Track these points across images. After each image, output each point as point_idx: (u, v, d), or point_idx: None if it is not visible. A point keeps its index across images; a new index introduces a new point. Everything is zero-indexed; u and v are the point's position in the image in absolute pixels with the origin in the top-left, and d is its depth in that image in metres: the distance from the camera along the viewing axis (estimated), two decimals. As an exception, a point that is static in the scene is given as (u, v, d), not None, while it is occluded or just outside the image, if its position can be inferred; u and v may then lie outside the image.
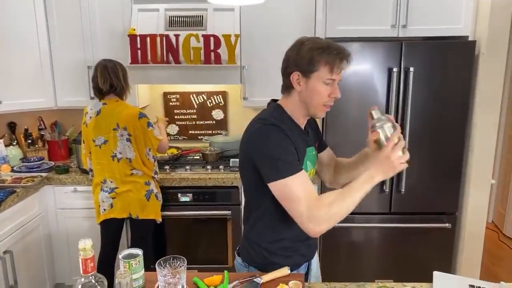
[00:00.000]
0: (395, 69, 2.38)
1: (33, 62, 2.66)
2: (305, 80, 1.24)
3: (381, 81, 2.43)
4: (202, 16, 2.59)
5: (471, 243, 2.62)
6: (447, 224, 2.56)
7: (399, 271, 2.65)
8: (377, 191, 2.55)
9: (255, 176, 1.26)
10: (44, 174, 2.60)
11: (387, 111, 2.45)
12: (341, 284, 1.34)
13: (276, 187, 1.19)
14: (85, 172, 2.55)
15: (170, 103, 3.12)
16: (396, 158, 1.15)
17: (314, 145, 1.43)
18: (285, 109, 1.32)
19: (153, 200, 2.30)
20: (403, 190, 2.53)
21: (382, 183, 2.51)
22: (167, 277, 1.13)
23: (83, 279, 0.99)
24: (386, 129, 1.20)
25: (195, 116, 3.14)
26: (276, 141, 1.21)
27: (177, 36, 2.47)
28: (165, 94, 3.10)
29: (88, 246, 0.98)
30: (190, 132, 3.18)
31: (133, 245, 2.34)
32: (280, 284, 1.22)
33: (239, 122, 3.13)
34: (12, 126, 2.97)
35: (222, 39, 2.45)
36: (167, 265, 1.16)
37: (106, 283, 1.02)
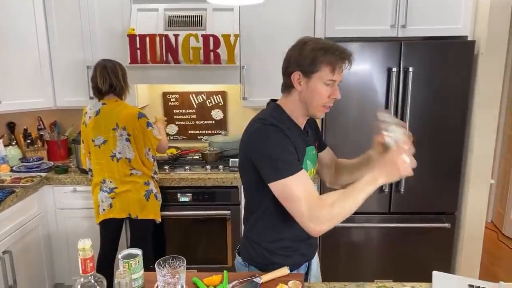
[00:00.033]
0: (394, 69, 2.39)
1: (33, 62, 2.65)
2: (306, 80, 1.24)
3: (380, 81, 2.43)
4: (202, 16, 2.59)
5: (471, 243, 2.62)
6: (446, 224, 2.57)
7: (399, 271, 2.65)
8: (377, 191, 2.50)
9: (255, 176, 1.26)
10: (43, 174, 2.60)
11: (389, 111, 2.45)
12: (341, 284, 1.34)
13: (277, 187, 1.20)
14: (84, 172, 2.55)
15: (170, 103, 3.12)
16: (401, 163, 1.15)
17: (314, 145, 1.43)
18: (285, 109, 1.32)
19: (153, 200, 2.30)
20: (402, 190, 2.53)
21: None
22: (167, 277, 1.13)
23: (82, 279, 0.99)
24: (397, 134, 1.20)
25: (194, 116, 3.14)
26: (275, 141, 1.21)
27: (176, 36, 2.47)
28: (165, 94, 3.10)
29: (87, 246, 0.98)
30: (189, 132, 3.18)
31: (132, 245, 2.34)
32: (280, 284, 1.22)
33: (238, 122, 3.13)
34: (11, 126, 2.97)
35: (221, 39, 2.45)
36: (167, 265, 1.16)
37: (105, 283, 1.02)
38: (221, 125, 3.15)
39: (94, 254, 1.01)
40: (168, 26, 2.59)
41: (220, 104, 3.11)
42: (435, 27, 2.48)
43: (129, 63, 2.49)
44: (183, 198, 2.58)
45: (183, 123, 3.16)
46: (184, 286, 1.17)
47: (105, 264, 2.31)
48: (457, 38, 2.51)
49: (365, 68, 2.41)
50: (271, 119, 1.26)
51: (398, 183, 2.53)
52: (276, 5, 2.57)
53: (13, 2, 2.53)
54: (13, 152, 2.84)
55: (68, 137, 3.03)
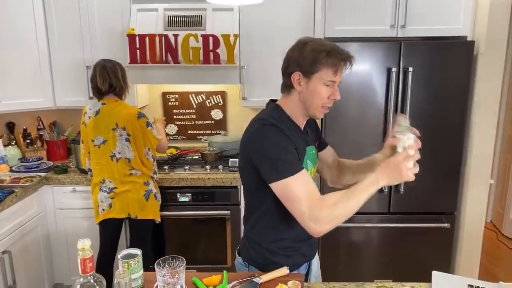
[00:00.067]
0: (394, 69, 2.39)
1: (32, 62, 2.65)
2: (306, 81, 1.24)
3: (380, 81, 2.43)
4: (201, 16, 2.59)
5: (470, 243, 2.62)
6: (446, 224, 2.57)
7: (398, 271, 2.65)
8: (377, 191, 2.55)
9: (255, 176, 1.26)
10: (42, 174, 2.60)
11: (386, 111, 2.45)
12: (340, 284, 1.34)
13: (277, 187, 1.19)
14: (84, 172, 2.54)
15: (169, 103, 3.12)
16: (405, 167, 1.15)
17: (314, 144, 1.43)
18: (284, 109, 1.32)
19: (152, 200, 2.30)
20: (402, 190, 2.54)
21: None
22: (166, 277, 1.13)
23: (81, 279, 0.99)
24: (408, 139, 1.20)
25: (194, 116, 3.14)
26: (275, 141, 1.21)
27: (176, 36, 2.47)
28: (164, 94, 3.10)
29: (87, 246, 0.97)
30: (189, 132, 3.17)
31: (132, 245, 2.34)
32: (279, 284, 1.22)
33: (238, 122, 3.13)
34: (10, 126, 2.96)
35: (221, 39, 2.45)
36: (166, 265, 1.16)
37: (105, 283, 1.02)
38: (221, 125, 3.15)
39: (93, 254, 1.01)
40: (168, 26, 2.59)
41: (219, 104, 3.11)
42: (435, 27, 2.48)
43: (129, 63, 2.49)
44: (183, 198, 2.58)
45: (182, 123, 3.16)
46: (184, 286, 1.17)
47: (105, 264, 2.31)
48: (456, 38, 2.51)
49: (365, 68, 2.41)
50: (271, 119, 1.26)
51: (397, 184, 2.53)
52: (275, 5, 2.57)
53: (13, 2, 2.52)
54: (13, 152, 2.83)
55: (68, 137, 3.03)
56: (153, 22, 2.59)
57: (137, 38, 2.47)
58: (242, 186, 2.54)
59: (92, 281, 0.99)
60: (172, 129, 3.16)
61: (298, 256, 1.40)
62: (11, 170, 2.70)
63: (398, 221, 2.59)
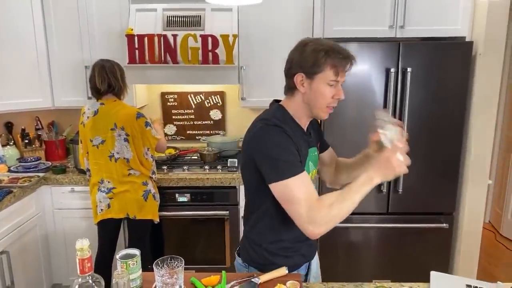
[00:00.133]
0: (392, 70, 2.39)
1: (31, 62, 2.65)
2: (309, 82, 1.24)
3: (378, 81, 2.43)
4: (200, 16, 2.59)
5: (468, 243, 2.63)
6: (444, 224, 2.57)
7: (397, 271, 2.65)
8: (375, 191, 2.56)
9: (257, 176, 1.25)
10: (41, 174, 2.59)
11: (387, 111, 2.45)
12: (339, 284, 1.34)
13: (277, 188, 1.19)
14: (82, 172, 2.54)
15: (168, 103, 3.12)
16: (396, 161, 1.15)
17: (316, 146, 1.43)
18: (288, 110, 1.32)
19: (151, 200, 2.30)
20: (400, 190, 2.54)
21: (380, 183, 2.51)
22: (165, 277, 1.12)
23: (80, 280, 0.99)
24: (392, 132, 1.20)
25: (193, 116, 3.14)
26: (277, 142, 1.21)
27: (175, 36, 2.47)
28: (163, 94, 3.10)
29: (85, 246, 0.97)
30: (188, 132, 3.17)
31: (130, 245, 2.34)
32: (278, 284, 1.22)
33: (237, 122, 3.13)
34: (9, 126, 2.96)
35: (220, 39, 2.45)
36: (165, 265, 1.16)
37: (103, 283, 1.02)
38: (220, 125, 3.15)
39: (92, 254, 1.00)
40: (167, 26, 2.58)
41: (218, 104, 3.11)
42: (433, 27, 2.48)
43: (128, 63, 2.48)
44: (181, 198, 2.58)
45: (181, 123, 3.16)
46: (182, 287, 1.17)
47: (103, 264, 2.30)
48: (455, 39, 2.52)
49: (364, 69, 2.42)
50: (274, 119, 1.26)
51: (396, 184, 2.54)
52: (274, 6, 2.57)
53: (12, 1, 2.52)
54: (11, 152, 2.83)
55: (66, 137, 3.02)
56: (152, 22, 2.59)
57: (136, 38, 2.47)
58: (241, 187, 2.54)
59: (90, 281, 0.99)
60: (171, 129, 3.16)
61: (298, 257, 1.40)
62: (9, 170, 2.69)
63: (396, 222, 2.59)
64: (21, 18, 2.57)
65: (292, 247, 1.37)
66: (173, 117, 3.14)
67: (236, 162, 2.66)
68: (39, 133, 2.96)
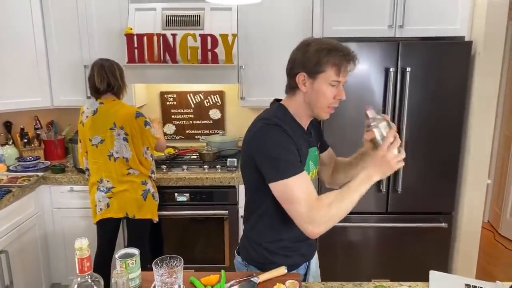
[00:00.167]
0: (392, 69, 2.39)
1: (30, 61, 2.65)
2: (311, 81, 1.24)
3: (378, 81, 2.43)
4: (199, 15, 2.59)
5: (467, 242, 2.63)
6: (443, 224, 2.57)
7: (396, 270, 2.66)
8: (374, 190, 2.56)
9: (257, 176, 1.25)
10: (40, 174, 2.59)
11: (384, 111, 2.45)
12: (338, 283, 1.34)
13: (277, 187, 1.19)
14: (81, 171, 2.54)
15: (167, 103, 3.11)
16: (392, 157, 1.15)
17: (317, 146, 1.43)
18: (289, 109, 1.32)
19: (150, 200, 2.30)
20: (399, 190, 2.54)
21: (379, 182, 2.51)
22: (164, 277, 1.12)
23: (79, 279, 0.99)
24: (382, 129, 1.20)
25: (192, 116, 3.14)
26: (278, 141, 1.21)
27: (174, 35, 2.47)
28: (162, 94, 3.10)
29: (84, 246, 0.97)
30: (187, 131, 3.17)
31: (129, 244, 2.34)
32: (277, 283, 1.22)
33: (236, 121, 3.13)
34: (8, 125, 2.95)
35: (219, 38, 2.44)
36: (164, 265, 1.16)
37: (102, 282, 1.02)
38: (219, 124, 3.15)
39: (91, 254, 1.00)
40: (166, 25, 2.58)
41: (217, 103, 3.11)
42: (433, 27, 2.48)
43: (127, 63, 2.48)
44: (181, 198, 2.57)
45: (180, 122, 3.15)
46: (182, 286, 1.17)
47: (102, 263, 2.30)
48: (454, 39, 2.52)
49: (363, 68, 2.42)
50: (274, 119, 1.26)
51: (395, 183, 2.54)
52: (274, 5, 2.57)
53: (11, 1, 2.51)
54: (10, 152, 2.82)
55: (65, 136, 3.02)
56: (151, 22, 2.59)
57: (135, 37, 2.46)
58: (240, 186, 2.54)
59: (89, 280, 0.99)
60: (170, 128, 3.16)
61: (297, 256, 1.40)
62: (8, 170, 2.69)
63: (396, 221, 2.60)
64: (20, 18, 2.57)
65: (292, 247, 1.37)
66: (172, 116, 3.14)
67: (236, 162, 2.66)
68: (38, 132, 2.96)
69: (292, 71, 1.27)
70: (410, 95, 2.42)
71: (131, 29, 2.51)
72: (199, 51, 2.46)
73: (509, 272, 3.21)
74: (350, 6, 2.49)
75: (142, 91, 3.02)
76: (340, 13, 2.50)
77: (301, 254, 1.41)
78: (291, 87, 1.30)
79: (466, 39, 2.48)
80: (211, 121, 3.14)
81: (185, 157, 2.92)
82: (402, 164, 1.17)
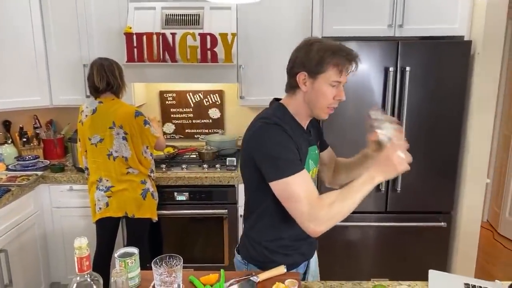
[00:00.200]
0: (391, 69, 2.39)
1: (29, 60, 2.64)
2: (311, 81, 1.24)
3: (377, 80, 2.43)
4: (199, 14, 2.59)
5: (466, 242, 2.63)
6: (442, 223, 2.58)
7: (395, 269, 2.66)
8: (373, 190, 2.52)
9: (257, 175, 1.25)
10: (39, 173, 2.59)
11: (384, 110, 2.45)
12: (337, 282, 1.35)
13: (278, 186, 1.19)
14: (80, 170, 2.54)
15: (167, 102, 3.11)
16: (397, 158, 1.15)
17: (317, 144, 1.43)
18: (288, 108, 1.32)
19: (149, 199, 2.30)
20: (399, 189, 2.54)
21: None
22: (163, 276, 1.12)
23: (78, 278, 0.99)
24: (388, 130, 1.20)
25: (191, 115, 3.14)
26: (277, 140, 1.21)
27: (173, 34, 2.47)
28: (162, 93, 3.10)
29: (83, 245, 0.97)
30: (186, 131, 3.17)
31: (129, 243, 2.34)
32: (276, 282, 1.22)
33: (235, 121, 3.13)
34: (7, 125, 2.95)
35: (218, 37, 2.44)
36: (163, 264, 1.16)
37: (101, 282, 1.02)
38: (218, 124, 3.15)
39: (90, 253, 1.00)
40: (165, 24, 2.58)
41: (217, 103, 3.11)
42: (432, 27, 2.48)
43: (126, 62, 2.48)
44: (180, 197, 2.57)
45: (180, 122, 3.15)
46: (181, 285, 1.17)
47: (102, 262, 2.30)
48: (453, 38, 2.52)
49: (362, 68, 2.41)
50: (274, 118, 1.26)
51: (394, 182, 2.54)
52: (273, 4, 2.57)
53: (10, 0, 2.51)
54: (9, 151, 2.82)
55: (65, 135, 3.02)
56: (150, 21, 2.59)
57: (134, 36, 2.46)
58: (239, 185, 2.55)
59: (89, 279, 0.99)
60: (170, 128, 3.16)
61: (297, 255, 1.40)
62: (7, 169, 2.68)
63: (395, 220, 2.60)
64: (19, 17, 2.56)
65: (292, 245, 1.37)
66: (172, 115, 3.13)
67: (235, 161, 2.66)
68: (37, 131, 2.95)
69: (292, 70, 1.27)
70: (409, 94, 2.42)
71: (130, 28, 2.51)
72: (199, 50, 2.46)
73: (508, 271, 3.21)
74: (350, 5, 2.49)
75: (142, 90, 3.02)
76: (340, 13, 2.50)
77: (301, 253, 1.41)
78: (291, 86, 1.30)
79: (465, 39, 2.48)
80: (210, 120, 3.14)
81: (184, 156, 2.92)
82: (407, 167, 1.16)
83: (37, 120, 2.98)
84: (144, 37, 2.46)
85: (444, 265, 2.69)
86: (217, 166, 2.66)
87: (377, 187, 2.56)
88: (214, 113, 3.13)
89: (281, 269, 1.30)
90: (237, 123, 3.12)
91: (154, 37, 2.47)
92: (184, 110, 3.13)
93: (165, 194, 2.54)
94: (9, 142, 2.88)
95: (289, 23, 2.59)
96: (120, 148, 2.20)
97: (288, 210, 1.20)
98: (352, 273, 2.69)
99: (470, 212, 2.59)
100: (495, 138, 3.83)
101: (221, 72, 2.55)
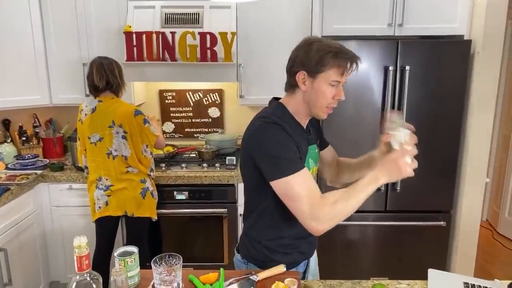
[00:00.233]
0: (391, 68, 2.39)
1: (28, 59, 2.64)
2: (310, 80, 1.24)
3: (377, 79, 2.43)
4: (198, 13, 2.59)
5: (466, 241, 2.63)
6: (442, 222, 2.58)
7: (394, 268, 2.66)
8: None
9: (256, 174, 1.25)
10: (38, 172, 2.59)
11: (383, 109, 2.45)
12: (336, 281, 1.35)
13: (278, 185, 1.19)
14: (80, 169, 2.54)
15: (166, 101, 3.11)
16: (403, 162, 1.15)
17: (316, 143, 1.43)
18: (288, 107, 1.31)
19: (149, 198, 2.30)
20: (398, 188, 2.54)
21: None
22: (163, 275, 1.12)
23: (78, 277, 0.99)
24: (401, 135, 1.20)
25: (191, 114, 3.14)
26: (277, 139, 1.21)
27: (173, 33, 2.46)
28: (161, 92, 3.09)
29: (83, 244, 0.97)
30: (186, 130, 3.17)
31: (128, 242, 2.34)
32: (276, 281, 1.22)
33: (235, 120, 3.13)
34: (6, 123, 2.95)
35: (218, 36, 2.44)
36: (163, 263, 1.16)
37: (101, 280, 1.02)
38: (218, 123, 3.15)
39: (90, 252, 1.00)
40: (165, 23, 2.58)
41: (217, 102, 3.11)
42: (432, 26, 2.48)
43: (126, 61, 2.48)
44: (180, 196, 2.57)
45: (179, 121, 3.15)
46: (180, 284, 1.17)
47: (101, 262, 2.30)
48: (453, 38, 2.52)
49: (362, 67, 2.41)
50: (273, 117, 1.26)
51: (394, 182, 2.54)
52: (273, 3, 2.57)
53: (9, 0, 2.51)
54: (8, 150, 2.82)
55: (64, 134, 3.01)
56: (150, 20, 2.58)
57: (134, 35, 2.46)
58: (239, 184, 2.55)
59: (88, 278, 0.99)
60: (169, 127, 3.16)
61: (297, 254, 1.40)
62: (6, 168, 2.68)
63: (394, 219, 2.60)
64: (18, 16, 2.56)
65: (291, 244, 1.37)
66: (171, 114, 3.13)
67: (234, 160, 2.66)
68: (36, 130, 2.95)
69: (292, 70, 1.27)
70: (409, 93, 2.42)
71: (130, 27, 2.50)
72: (198, 49, 2.46)
73: (507, 270, 3.22)
74: (350, 4, 2.49)
75: (141, 89, 3.01)
76: (340, 12, 2.50)
77: (300, 252, 1.41)
78: (291, 86, 1.30)
79: (465, 38, 2.48)
80: (210, 119, 3.14)
81: (184, 155, 2.92)
82: (412, 173, 1.17)
83: (36, 119, 2.97)
84: (144, 36, 2.46)
85: (443, 264, 2.69)
86: (216, 165, 2.66)
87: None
88: (213, 112, 3.13)
89: (281, 268, 1.30)
90: (236, 122, 3.12)
91: (154, 36, 2.46)
92: (184, 109, 3.12)
93: (164, 193, 2.54)
94: (9, 141, 2.87)
95: (288, 22, 2.59)
96: (119, 147, 2.20)
97: (289, 208, 1.20)
98: (351, 272, 2.69)
99: (470, 212, 2.59)
100: (494, 138, 3.83)
101: (221, 71, 2.55)
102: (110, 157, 2.21)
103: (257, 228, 1.37)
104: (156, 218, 2.38)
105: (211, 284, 1.23)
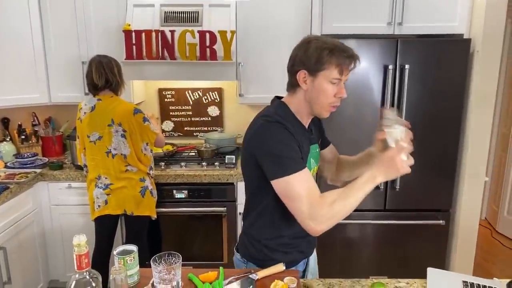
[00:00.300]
0: (390, 67, 2.39)
1: (27, 58, 2.63)
2: (311, 79, 1.24)
3: (376, 78, 2.43)
4: (198, 12, 2.58)
5: (465, 240, 2.64)
6: (441, 221, 2.58)
7: (394, 267, 2.67)
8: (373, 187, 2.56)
9: (258, 173, 1.25)
10: (38, 170, 2.59)
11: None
12: (336, 280, 1.35)
13: (279, 184, 1.19)
14: (79, 168, 2.53)
15: (165, 100, 3.11)
16: (400, 160, 1.15)
17: (318, 143, 1.43)
18: (290, 107, 1.31)
19: (148, 197, 2.30)
20: (397, 187, 2.55)
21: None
22: (162, 273, 1.12)
23: (77, 276, 0.99)
24: (397, 132, 1.20)
25: (190, 113, 3.13)
26: (279, 138, 1.20)
27: (172, 32, 2.46)
28: (160, 90, 3.09)
29: (82, 242, 0.97)
30: (185, 128, 3.17)
31: (128, 241, 2.34)
32: (275, 280, 1.22)
33: (234, 118, 3.12)
34: (5, 122, 2.94)
35: (217, 35, 2.44)
36: (162, 262, 1.16)
37: (100, 279, 1.02)
38: (217, 121, 3.14)
39: (89, 250, 1.00)
40: (164, 22, 2.57)
41: (216, 100, 3.11)
42: (432, 25, 2.48)
43: (125, 59, 2.47)
44: (179, 195, 2.57)
45: (179, 119, 3.15)
46: (180, 282, 1.17)
47: (101, 260, 2.30)
48: (453, 36, 2.52)
49: (362, 66, 2.41)
50: (275, 116, 1.25)
51: (393, 180, 2.54)
52: (272, 2, 2.56)
53: (8, -3, 2.51)
54: (7, 148, 2.82)
55: (63, 133, 3.01)
56: (149, 18, 2.58)
57: (133, 34, 2.45)
58: (238, 183, 2.55)
59: (87, 277, 0.99)
60: (168, 125, 3.16)
61: (296, 253, 1.40)
62: (5, 166, 2.68)
63: (393, 218, 2.60)
64: (18, 15, 2.55)
65: (291, 243, 1.37)
66: (171, 113, 3.13)
67: (234, 159, 2.66)
68: (36, 129, 2.95)
69: (293, 69, 1.27)
70: (408, 92, 2.42)
71: (129, 25, 2.50)
72: (198, 47, 2.45)
73: (506, 269, 3.22)
74: (349, 3, 2.48)
75: (140, 88, 3.01)
76: (339, 11, 2.50)
77: (300, 251, 1.41)
78: (292, 85, 1.30)
79: (464, 37, 2.48)
80: (209, 118, 3.14)
81: (183, 154, 2.92)
82: (408, 170, 1.17)
83: (35, 118, 2.97)
84: (143, 34, 2.46)
85: (442, 263, 2.69)
86: (216, 164, 2.66)
87: (376, 185, 2.55)
88: (213, 110, 3.13)
89: (280, 267, 1.30)
90: (236, 121, 3.12)
91: (153, 34, 2.46)
92: (183, 107, 3.12)
93: (164, 191, 2.54)
94: (8, 139, 2.87)
95: (288, 20, 2.58)
96: (119, 145, 2.20)
97: (289, 208, 1.20)
98: (351, 270, 2.70)
99: (469, 210, 2.59)
100: (493, 136, 3.83)
101: (220, 70, 2.55)
102: (109, 156, 2.21)
103: (257, 227, 1.37)
104: (156, 216, 2.38)
105: (210, 283, 1.23)
